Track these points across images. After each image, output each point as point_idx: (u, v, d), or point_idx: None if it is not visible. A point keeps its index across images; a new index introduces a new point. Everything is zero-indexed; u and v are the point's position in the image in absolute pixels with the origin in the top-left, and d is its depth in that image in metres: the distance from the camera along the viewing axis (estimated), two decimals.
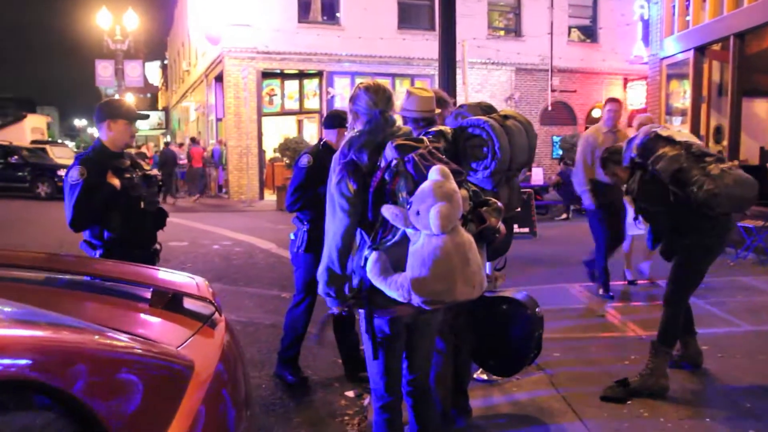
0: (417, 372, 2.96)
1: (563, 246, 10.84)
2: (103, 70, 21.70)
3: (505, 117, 3.47)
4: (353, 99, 2.82)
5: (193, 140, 23.15)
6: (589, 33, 23.31)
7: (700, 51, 11.57)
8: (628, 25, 18.44)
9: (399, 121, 2.96)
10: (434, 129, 3.10)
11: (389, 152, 2.57)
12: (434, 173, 2.40)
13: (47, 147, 23.20)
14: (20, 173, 20.60)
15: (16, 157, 21.18)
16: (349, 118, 2.85)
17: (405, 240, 2.49)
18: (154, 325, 1.95)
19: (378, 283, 2.52)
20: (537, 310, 3.81)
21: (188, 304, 2.12)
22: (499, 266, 3.90)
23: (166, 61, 44.46)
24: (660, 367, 4.23)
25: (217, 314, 2.10)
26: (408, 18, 21.03)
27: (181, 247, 10.54)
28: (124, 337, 1.67)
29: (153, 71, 49.51)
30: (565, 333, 5.55)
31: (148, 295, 2.08)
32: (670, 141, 4.13)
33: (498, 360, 3.82)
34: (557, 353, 4.94)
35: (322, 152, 4.66)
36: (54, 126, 61.87)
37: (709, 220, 4.11)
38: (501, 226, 2.79)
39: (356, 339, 4.76)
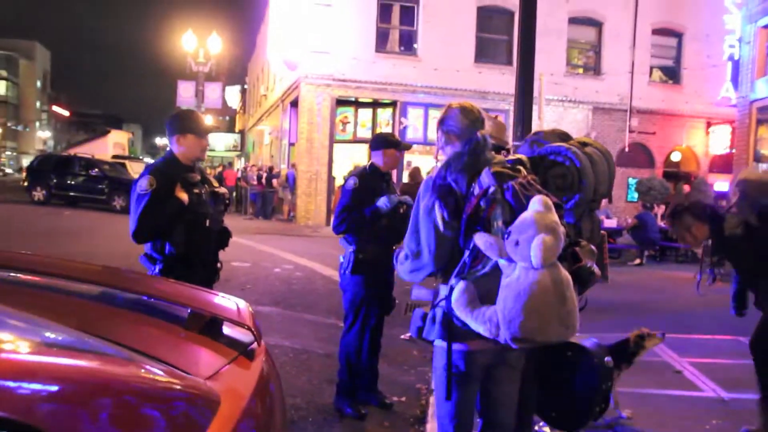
0: (496, 427, 2.70)
1: (636, 293, 10.31)
2: (184, 91, 22.35)
3: (584, 144, 3.21)
4: (445, 120, 2.68)
5: (230, 164, 26.27)
6: (672, 74, 22.57)
7: None
8: (714, 66, 17.75)
9: None
10: (512, 157, 2.88)
11: (486, 179, 2.42)
12: (536, 203, 2.24)
13: (126, 162, 24.01)
14: (99, 186, 21.37)
15: (96, 170, 21.98)
16: (441, 140, 2.69)
17: (496, 271, 2.31)
18: (187, 351, 1.79)
19: (463, 315, 2.35)
20: (606, 359, 3.49)
21: (226, 329, 1.95)
22: (580, 306, 3.61)
23: (246, 86, 45.76)
24: None
25: (255, 343, 1.92)
26: (485, 52, 20.89)
27: (243, 268, 10.54)
28: (154, 368, 1.52)
29: (233, 95, 51.02)
30: (637, 387, 5.13)
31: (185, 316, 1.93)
32: None
33: (560, 412, 3.49)
34: (627, 410, 4.55)
35: (369, 175, 4.62)
36: (137, 142, 64.52)
37: None
38: (596, 268, 2.56)
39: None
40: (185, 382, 1.50)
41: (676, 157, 22.80)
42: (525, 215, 2.23)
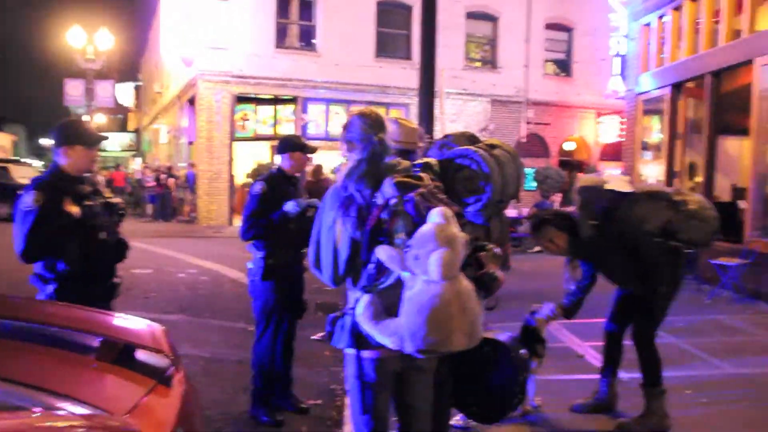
0: (412, 430, 2.71)
1: (538, 280, 10.71)
2: (73, 89, 21.23)
3: (492, 146, 3.28)
4: (347, 127, 2.64)
5: (118, 166, 30.90)
6: (564, 67, 23.52)
7: (676, 88, 11.64)
8: (602, 60, 18.62)
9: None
10: (420, 161, 2.90)
11: (388, 189, 2.39)
12: (436, 216, 2.23)
13: (9, 166, 22.48)
14: None
15: None
16: (343, 148, 2.66)
17: (400, 283, 2.30)
18: (100, 385, 1.69)
19: (369, 327, 2.34)
20: (521, 352, 3.61)
21: (141, 355, 1.86)
22: (490, 305, 3.69)
23: (139, 83, 43.96)
24: (658, 407, 4.10)
25: (173, 368, 1.84)
26: (385, 47, 21.01)
27: (146, 275, 10.14)
28: (64, 410, 1.41)
29: (126, 92, 48.79)
30: (543, 374, 5.32)
31: (97, 345, 1.82)
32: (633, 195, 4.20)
33: (482, 406, 3.58)
34: (538, 397, 4.72)
35: (276, 178, 4.57)
36: (21, 144, 60.63)
37: (675, 255, 4.16)
38: (500, 273, 2.60)
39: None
40: (101, 420, 1.42)
41: (569, 146, 23.79)
42: (425, 228, 2.23)
